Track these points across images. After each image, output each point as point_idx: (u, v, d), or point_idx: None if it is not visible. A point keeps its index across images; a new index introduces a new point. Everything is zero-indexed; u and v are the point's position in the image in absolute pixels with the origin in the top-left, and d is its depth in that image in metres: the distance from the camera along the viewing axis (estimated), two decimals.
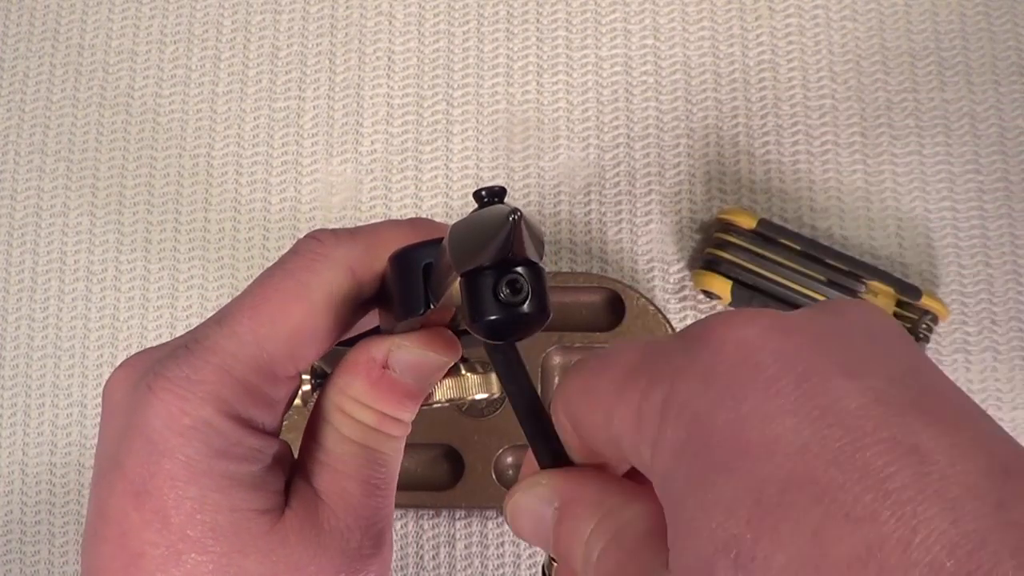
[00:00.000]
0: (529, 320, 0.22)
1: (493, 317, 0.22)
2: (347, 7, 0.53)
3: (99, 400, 0.49)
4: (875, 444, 0.18)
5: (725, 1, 0.52)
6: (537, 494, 0.25)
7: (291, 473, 0.29)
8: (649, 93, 0.51)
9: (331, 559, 0.27)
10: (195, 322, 0.49)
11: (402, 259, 0.27)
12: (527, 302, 0.22)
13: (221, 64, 0.52)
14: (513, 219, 0.20)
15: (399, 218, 0.29)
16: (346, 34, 0.52)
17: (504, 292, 0.22)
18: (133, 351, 0.49)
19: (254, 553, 0.26)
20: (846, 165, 0.50)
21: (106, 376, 0.49)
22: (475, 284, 0.22)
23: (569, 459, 0.26)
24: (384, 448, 0.29)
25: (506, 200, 0.23)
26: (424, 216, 0.50)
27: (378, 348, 0.29)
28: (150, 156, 0.51)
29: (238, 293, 0.28)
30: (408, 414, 0.30)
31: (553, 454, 0.25)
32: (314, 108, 0.52)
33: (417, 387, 0.30)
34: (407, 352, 0.29)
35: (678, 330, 0.22)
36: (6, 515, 0.48)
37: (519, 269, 0.22)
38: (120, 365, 0.28)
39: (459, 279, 0.22)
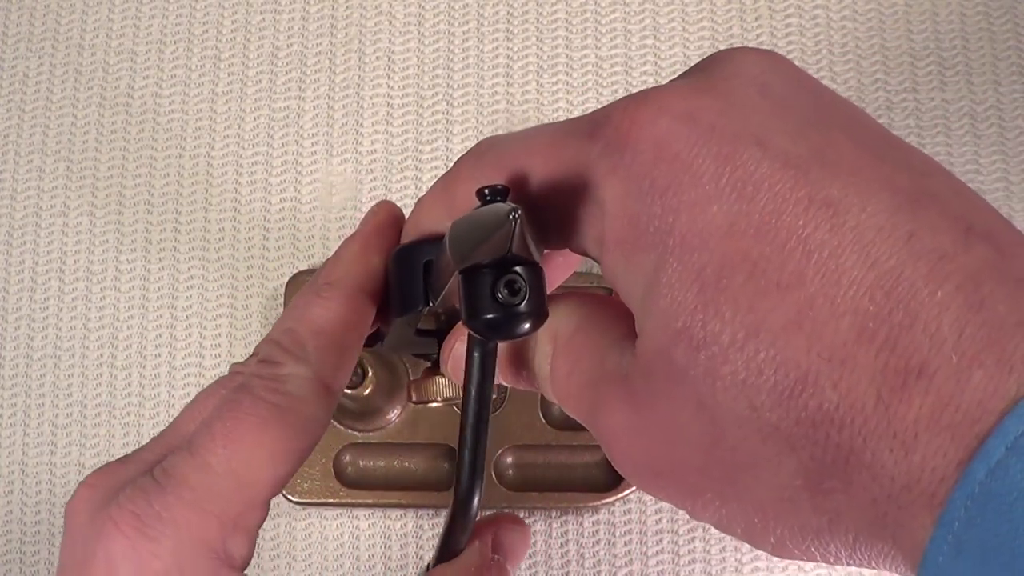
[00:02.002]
0: (525, 320, 0.22)
1: (489, 316, 0.22)
2: (347, 7, 0.53)
3: (99, 400, 0.49)
4: (792, 207, 0.19)
5: (725, 1, 0.52)
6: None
7: None
8: None
9: None
10: (195, 322, 0.49)
11: (403, 256, 0.27)
12: (524, 302, 0.22)
13: (221, 64, 0.52)
14: (513, 218, 0.20)
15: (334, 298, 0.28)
16: (346, 34, 0.52)
17: (502, 292, 0.22)
18: (133, 351, 0.49)
19: None
20: None
21: (106, 376, 0.49)
22: (473, 282, 0.22)
23: (481, 475, 0.26)
24: None
25: (508, 199, 0.23)
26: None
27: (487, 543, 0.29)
28: (150, 156, 0.51)
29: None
30: None
31: (472, 472, 0.26)
32: (314, 108, 0.52)
33: None
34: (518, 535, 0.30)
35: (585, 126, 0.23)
36: (6, 515, 0.48)
37: (518, 269, 0.22)
38: (84, 482, 0.26)
39: (458, 276, 0.22)
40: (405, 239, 0.28)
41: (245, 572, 0.26)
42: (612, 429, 0.23)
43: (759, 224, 0.19)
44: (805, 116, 0.21)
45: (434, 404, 0.31)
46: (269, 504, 0.27)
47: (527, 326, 0.22)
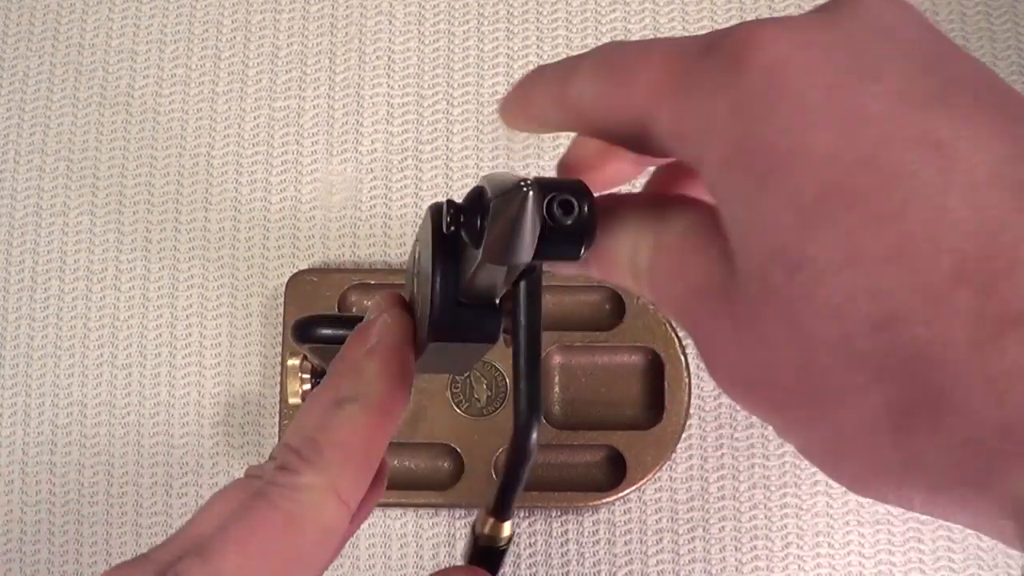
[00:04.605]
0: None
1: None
2: (347, 7, 0.53)
3: (99, 399, 0.49)
4: (900, 143, 0.19)
5: (725, 1, 0.52)
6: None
7: None
8: None
9: None
10: (195, 322, 0.49)
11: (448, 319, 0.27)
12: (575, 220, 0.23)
13: (221, 64, 0.52)
14: (524, 188, 0.21)
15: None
16: (346, 34, 0.52)
17: (557, 212, 0.23)
18: (133, 351, 0.49)
19: None
20: None
21: (106, 376, 0.49)
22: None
23: (539, 406, 0.26)
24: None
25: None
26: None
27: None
28: (150, 156, 0.51)
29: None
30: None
31: (531, 401, 0.26)
32: (314, 108, 0.52)
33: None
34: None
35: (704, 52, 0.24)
36: (6, 515, 0.48)
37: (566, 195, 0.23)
38: None
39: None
40: (513, 120, 0.28)
41: None
42: (712, 341, 0.23)
43: (865, 155, 0.19)
44: (927, 61, 0.21)
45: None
46: None
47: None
